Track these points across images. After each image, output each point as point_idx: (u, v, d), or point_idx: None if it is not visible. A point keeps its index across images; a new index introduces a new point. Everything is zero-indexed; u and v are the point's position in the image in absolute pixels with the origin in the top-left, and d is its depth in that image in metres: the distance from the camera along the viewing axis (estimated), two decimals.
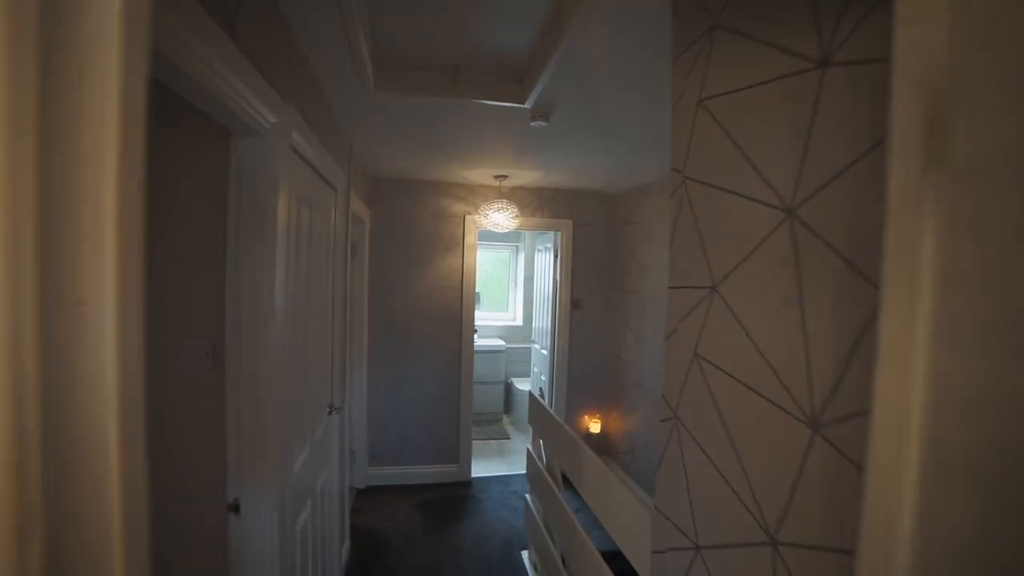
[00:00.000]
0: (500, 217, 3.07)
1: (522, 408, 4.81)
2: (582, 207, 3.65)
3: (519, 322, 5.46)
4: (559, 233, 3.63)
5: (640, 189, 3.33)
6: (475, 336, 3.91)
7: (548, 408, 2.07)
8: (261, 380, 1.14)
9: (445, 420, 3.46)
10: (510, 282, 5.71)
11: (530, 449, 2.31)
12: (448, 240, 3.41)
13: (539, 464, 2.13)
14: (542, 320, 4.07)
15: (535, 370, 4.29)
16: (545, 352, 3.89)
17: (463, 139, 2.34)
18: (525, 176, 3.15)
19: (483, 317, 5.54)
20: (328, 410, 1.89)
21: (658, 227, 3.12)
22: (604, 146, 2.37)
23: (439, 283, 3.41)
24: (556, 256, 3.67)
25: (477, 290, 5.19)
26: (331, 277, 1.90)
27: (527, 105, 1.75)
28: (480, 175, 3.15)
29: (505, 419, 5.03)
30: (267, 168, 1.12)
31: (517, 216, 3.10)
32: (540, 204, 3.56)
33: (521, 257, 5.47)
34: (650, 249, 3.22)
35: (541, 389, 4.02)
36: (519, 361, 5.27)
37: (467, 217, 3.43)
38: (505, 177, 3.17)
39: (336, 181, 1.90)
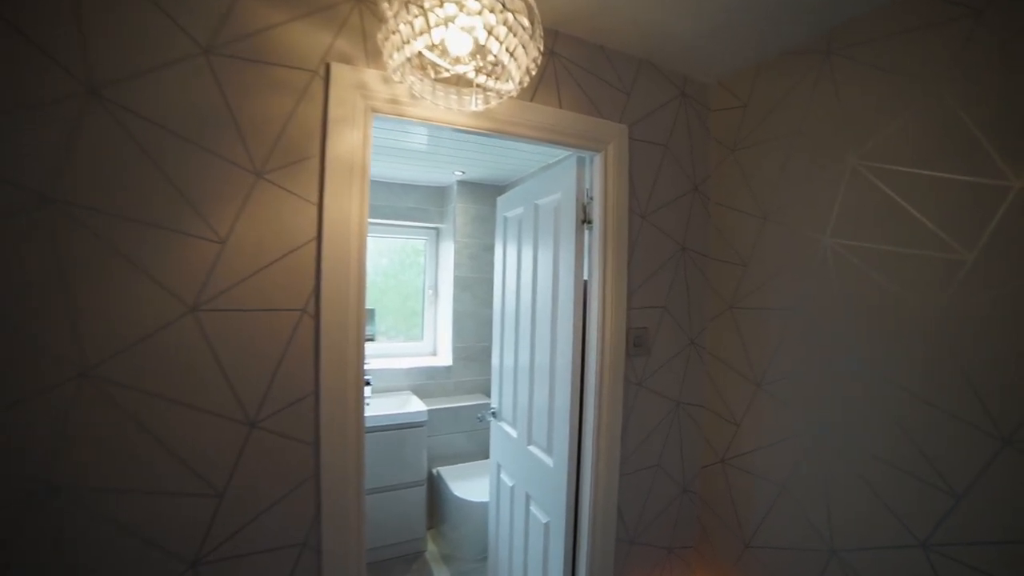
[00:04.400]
0: (448, 97, 0.84)
1: (463, 520, 2.48)
2: (645, 96, 1.49)
3: (446, 359, 3.12)
4: (594, 160, 1.42)
5: (789, 57, 1.26)
6: (367, 390, 1.84)
7: None
8: None
9: None
10: (426, 291, 3.33)
11: None
12: (274, 142, 1.00)
13: None
14: (540, 370, 1.79)
15: (502, 479, 1.98)
16: (547, 459, 1.61)
17: None
18: None
19: (378, 351, 3.09)
20: None
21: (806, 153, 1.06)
22: None
23: (261, 278, 0.98)
24: (583, 224, 1.45)
25: (371, 305, 2.79)
26: None
27: None
28: None
29: (431, 547, 2.64)
30: None
31: (498, 93, 0.85)
32: (555, 80, 1.31)
33: (447, 248, 3.14)
34: (793, 210, 1.16)
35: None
36: (450, 431, 2.91)
37: (338, 71, 1.05)
38: None
39: None
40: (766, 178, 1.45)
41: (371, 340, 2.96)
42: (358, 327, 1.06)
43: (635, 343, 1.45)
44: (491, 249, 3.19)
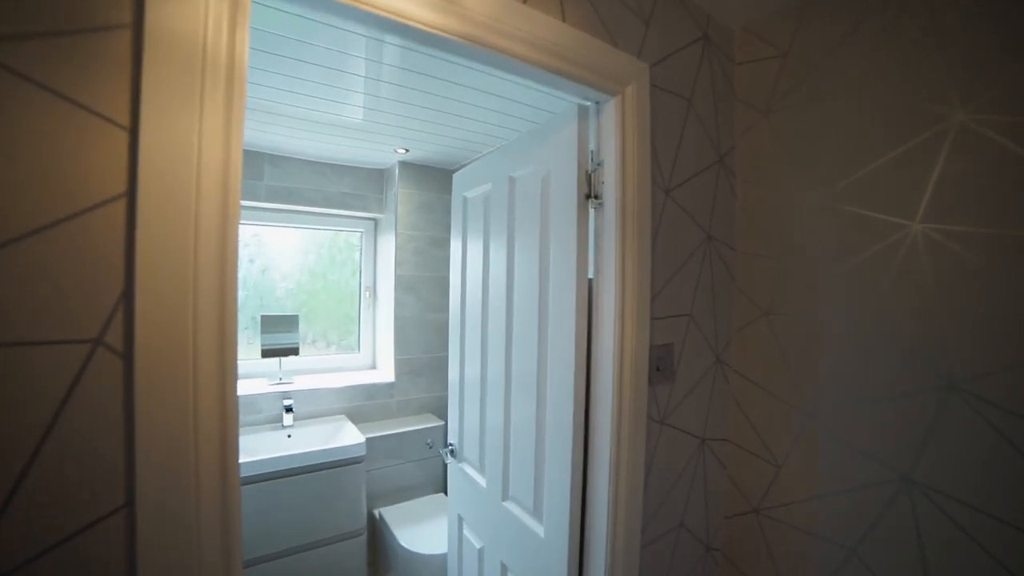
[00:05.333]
0: None
1: (409, 569, 2.00)
2: (665, 31, 1.09)
3: (387, 374, 2.60)
4: (603, 109, 1.00)
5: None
6: (286, 417, 1.83)
7: None
8: None
9: None
10: (362, 293, 2.79)
11: None
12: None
13: None
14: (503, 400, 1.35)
15: (466, 536, 1.52)
16: (534, 525, 1.17)
17: None
18: None
19: (303, 366, 2.52)
20: None
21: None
22: None
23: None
24: (587, 200, 1.03)
25: (294, 310, 2.32)
26: None
27: None
28: None
29: None
30: None
31: None
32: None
33: (387, 242, 2.61)
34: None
35: None
36: (395, 461, 2.40)
37: None
38: None
39: None
40: (816, 147, 1.10)
41: (293, 354, 2.39)
42: (223, 369, 0.57)
43: (657, 366, 1.06)
44: (440, 243, 2.71)
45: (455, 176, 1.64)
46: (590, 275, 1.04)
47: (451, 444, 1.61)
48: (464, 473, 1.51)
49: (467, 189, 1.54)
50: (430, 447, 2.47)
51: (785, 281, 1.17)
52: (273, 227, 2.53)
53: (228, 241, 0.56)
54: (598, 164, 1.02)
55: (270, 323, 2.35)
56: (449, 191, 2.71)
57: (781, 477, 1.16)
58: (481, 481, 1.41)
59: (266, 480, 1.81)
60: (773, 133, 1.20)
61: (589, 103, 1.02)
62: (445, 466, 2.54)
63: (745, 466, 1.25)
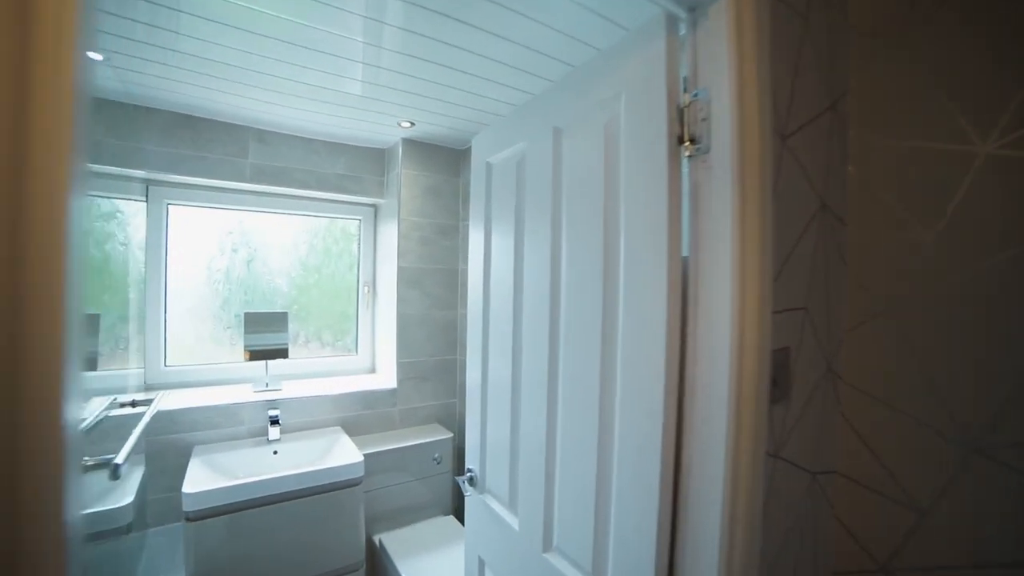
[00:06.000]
0: None
1: None
2: None
3: (388, 380, 2.29)
4: (706, 18, 0.70)
5: None
6: (272, 430, 1.68)
7: None
8: None
9: None
10: (361, 288, 2.49)
11: None
12: None
13: None
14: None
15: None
16: None
17: None
18: None
19: (293, 370, 2.23)
20: None
21: None
22: None
23: None
24: (680, 147, 0.73)
25: (284, 307, 1.98)
26: None
27: None
28: None
29: None
30: None
31: None
32: None
33: (389, 231, 2.31)
34: None
35: None
36: (397, 480, 2.09)
37: None
38: None
39: None
40: (965, 90, 0.81)
41: (281, 356, 2.09)
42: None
43: (774, 378, 0.76)
44: (449, 232, 2.41)
45: (474, 140, 1.34)
46: (685, 252, 0.74)
47: (470, 470, 1.31)
48: (487, 508, 1.22)
49: (491, 153, 1.24)
50: (437, 463, 2.17)
51: (918, 265, 0.87)
52: (259, 212, 2.23)
53: (36, 212, 0.27)
54: (696, 96, 0.72)
55: (255, 321, 2.05)
56: (458, 174, 2.41)
57: (926, 528, 0.87)
58: (511, 521, 1.11)
59: (245, 509, 1.51)
60: (909, 66, 0.90)
61: (682, 9, 0.73)
62: (455, 484, 2.24)
63: (863, 507, 0.96)
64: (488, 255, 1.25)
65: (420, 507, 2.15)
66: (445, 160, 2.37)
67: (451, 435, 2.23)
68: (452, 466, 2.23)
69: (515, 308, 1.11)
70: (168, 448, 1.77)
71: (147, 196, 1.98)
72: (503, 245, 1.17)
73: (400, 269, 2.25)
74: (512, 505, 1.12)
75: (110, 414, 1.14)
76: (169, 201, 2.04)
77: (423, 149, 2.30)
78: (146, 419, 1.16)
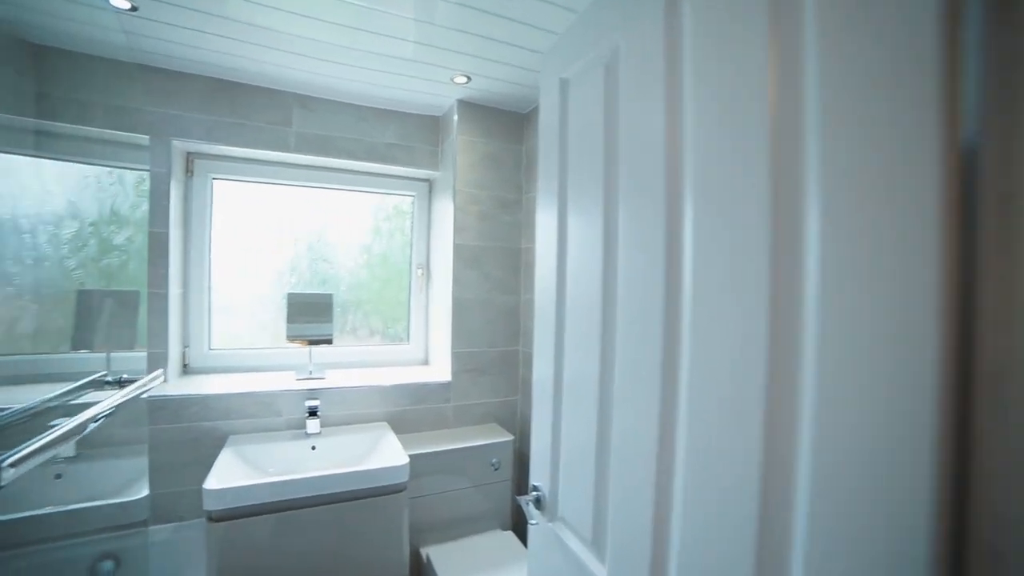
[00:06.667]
0: None
1: None
2: None
3: (442, 372, 2.04)
4: None
5: None
6: (311, 423, 1.59)
7: None
8: None
9: None
10: (414, 271, 2.27)
11: None
12: None
13: None
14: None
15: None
16: None
17: None
18: None
19: (337, 359, 2.03)
20: None
21: None
22: None
23: None
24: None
25: (330, 291, 1.96)
26: None
27: None
28: None
29: None
30: None
31: None
32: None
33: (444, 207, 2.05)
34: None
35: None
36: (448, 487, 1.83)
37: None
38: None
39: None
40: None
41: (326, 343, 1.90)
42: None
43: None
44: (511, 207, 2.12)
45: (544, 57, 1.03)
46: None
47: (536, 489, 1.00)
48: (560, 543, 0.90)
49: (567, 67, 0.93)
50: (495, 469, 1.89)
51: None
52: (307, 188, 2.06)
53: None
54: None
55: (298, 304, 1.87)
56: (521, 140, 2.12)
57: None
58: (595, 569, 0.79)
59: (274, 512, 1.30)
60: None
61: None
62: (515, 494, 1.94)
63: None
64: (563, 218, 0.94)
65: (474, 519, 1.87)
66: (506, 125, 2.09)
67: (511, 438, 1.94)
68: (512, 474, 1.94)
69: (605, 285, 0.79)
70: (205, 436, 1.62)
71: (192, 170, 1.86)
72: (586, 202, 0.85)
73: (456, 247, 2.00)
74: (597, 545, 0.79)
75: (74, 402, 0.93)
76: (214, 176, 1.91)
77: (481, 112, 2.03)
78: (108, 405, 0.89)
